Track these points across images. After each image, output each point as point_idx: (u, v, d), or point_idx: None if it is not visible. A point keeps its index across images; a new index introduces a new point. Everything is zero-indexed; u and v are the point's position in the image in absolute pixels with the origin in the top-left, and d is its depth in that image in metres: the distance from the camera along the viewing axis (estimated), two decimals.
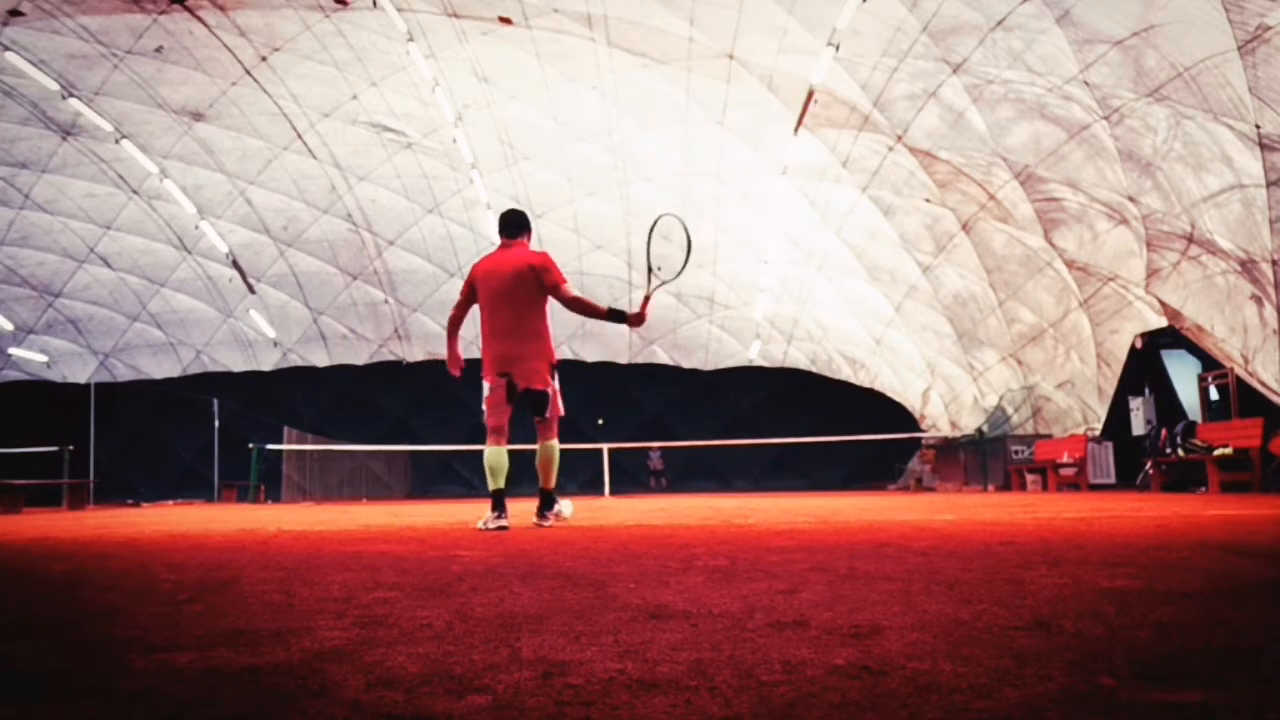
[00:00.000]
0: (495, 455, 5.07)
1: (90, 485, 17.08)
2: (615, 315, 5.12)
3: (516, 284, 5.07)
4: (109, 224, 19.72)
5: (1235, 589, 1.72)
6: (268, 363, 24.43)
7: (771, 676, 1.02)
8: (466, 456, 23.63)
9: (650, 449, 22.90)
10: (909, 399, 22.11)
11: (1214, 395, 13.43)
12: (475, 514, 6.96)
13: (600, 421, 25.71)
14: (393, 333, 23.14)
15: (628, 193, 18.04)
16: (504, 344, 5.06)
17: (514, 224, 5.40)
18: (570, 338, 24.11)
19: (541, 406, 5.12)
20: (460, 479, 26.88)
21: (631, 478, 24.27)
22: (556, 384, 5.24)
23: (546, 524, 5.02)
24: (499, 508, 4.83)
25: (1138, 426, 14.59)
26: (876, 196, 15.69)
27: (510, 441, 5.25)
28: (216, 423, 19.67)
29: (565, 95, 14.91)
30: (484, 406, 5.15)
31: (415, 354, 23.75)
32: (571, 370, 25.11)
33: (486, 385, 5.13)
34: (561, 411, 5.21)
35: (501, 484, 4.99)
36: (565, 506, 5.41)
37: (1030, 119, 12.14)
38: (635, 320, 5.19)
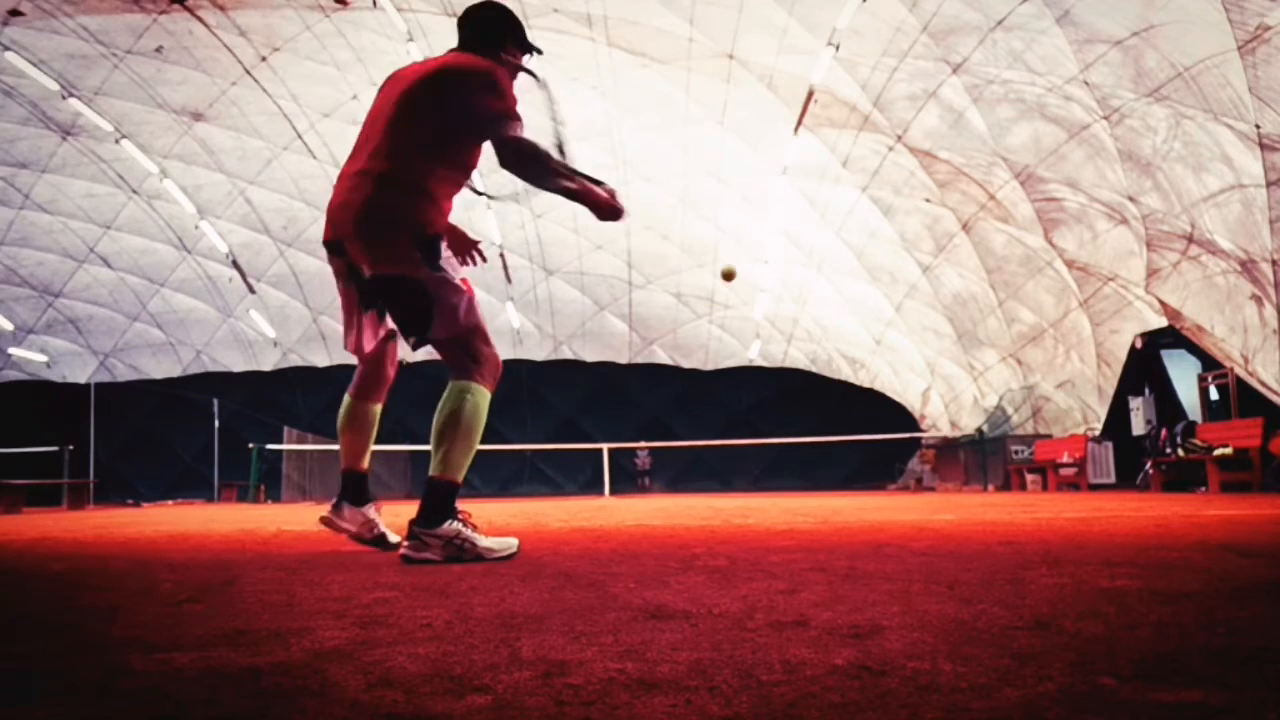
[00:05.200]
0: (343, 410, 3.17)
1: (90, 485, 17.08)
2: (582, 193, 2.75)
3: (404, 98, 2.77)
4: (109, 224, 19.73)
5: (1235, 589, 1.72)
6: (268, 363, 24.43)
7: (771, 676, 1.02)
8: None
9: (638, 449, 22.87)
10: (909, 399, 22.12)
11: (1214, 395, 13.43)
12: (474, 514, 6.92)
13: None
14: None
15: (628, 193, 17.82)
16: (340, 193, 2.79)
17: (480, 25, 2.94)
18: (570, 337, 24.12)
19: (411, 317, 2.78)
20: None
21: (630, 479, 24.27)
22: (452, 274, 2.78)
23: (420, 555, 2.60)
24: (341, 492, 3.11)
25: (1138, 426, 14.59)
26: (876, 196, 15.69)
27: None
28: (216, 423, 19.66)
29: (565, 95, 14.88)
30: None
31: (415, 354, 23.70)
32: (572, 370, 25.16)
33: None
34: (464, 322, 2.77)
35: (359, 460, 3.13)
36: (501, 542, 2.75)
37: (1030, 119, 12.14)
38: (606, 205, 2.79)
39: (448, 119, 2.76)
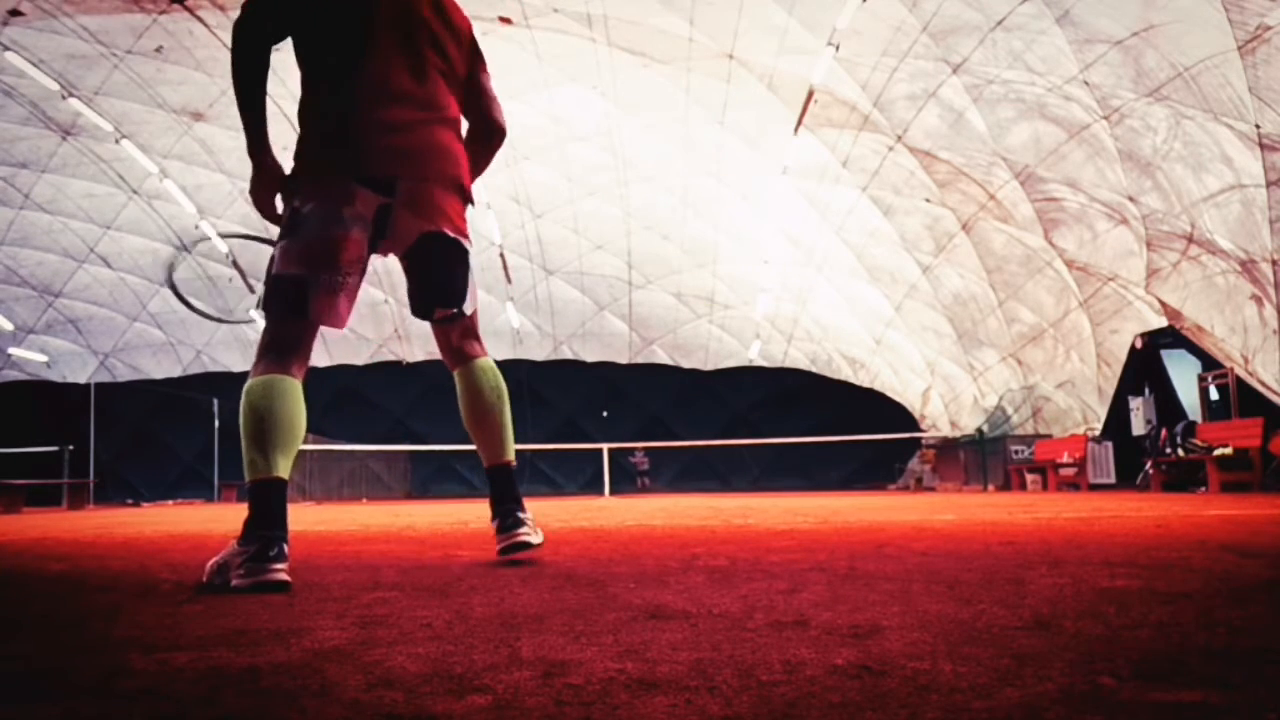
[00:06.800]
0: (273, 389, 2.16)
1: (90, 485, 17.09)
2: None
3: (440, 23, 2.51)
4: (109, 224, 19.73)
5: (1235, 589, 1.72)
6: None
7: (771, 676, 1.02)
8: (467, 456, 23.63)
9: (635, 449, 22.84)
10: (909, 399, 22.12)
11: (1214, 395, 13.43)
12: (476, 514, 6.92)
13: (605, 414, 25.44)
14: (393, 333, 23.16)
15: (628, 193, 18.04)
16: (393, 118, 2.34)
17: None
18: (570, 337, 24.11)
19: (458, 287, 2.48)
20: (460, 479, 26.89)
21: (630, 478, 24.30)
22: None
23: (536, 540, 2.47)
24: (260, 525, 2.04)
25: (1138, 426, 14.59)
26: (876, 196, 15.69)
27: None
28: (216, 423, 19.68)
29: (565, 95, 14.91)
30: (278, 261, 2.26)
31: (415, 354, 23.76)
32: (571, 371, 25.16)
33: (309, 207, 2.29)
34: (476, 302, 2.61)
35: (282, 467, 2.14)
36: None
37: (1030, 119, 12.14)
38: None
39: (470, 65, 2.66)
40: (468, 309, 2.51)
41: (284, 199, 2.38)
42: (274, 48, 2.36)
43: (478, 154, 2.66)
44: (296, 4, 2.35)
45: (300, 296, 2.22)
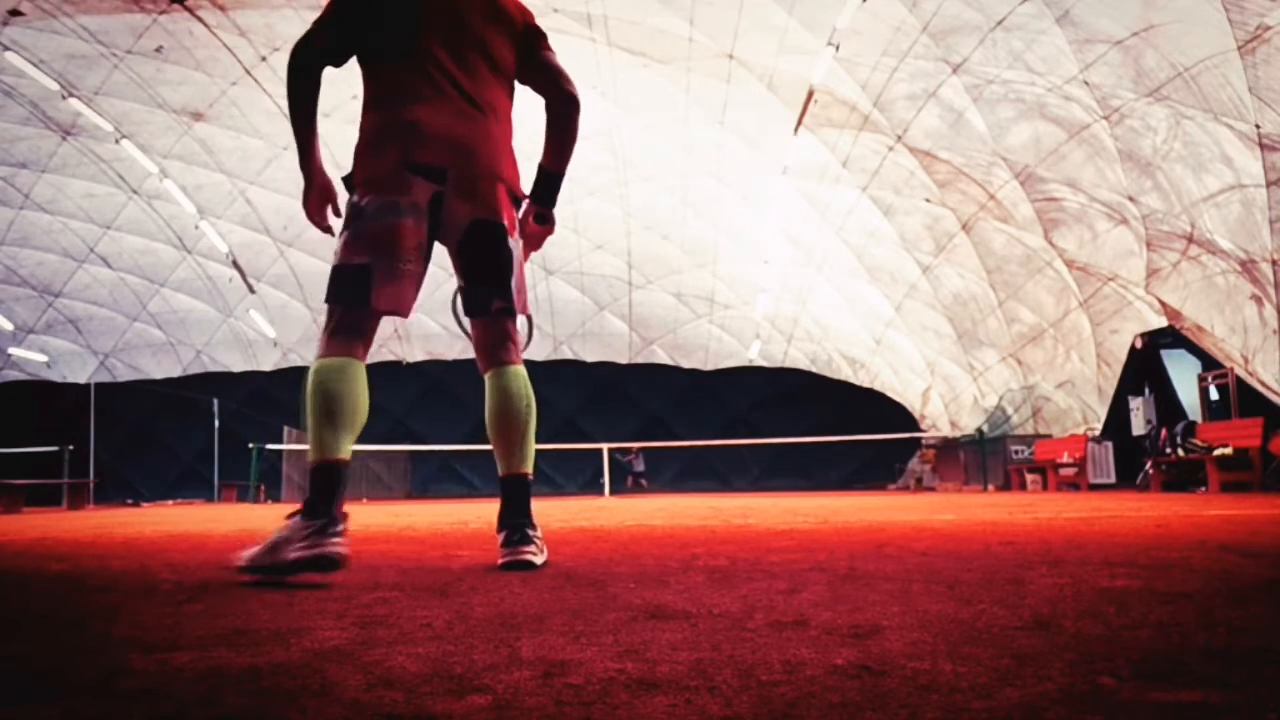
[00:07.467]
0: (340, 371, 2.24)
1: (90, 485, 17.08)
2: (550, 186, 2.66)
3: (486, 14, 2.53)
4: (109, 224, 19.73)
5: (1235, 589, 1.72)
6: (268, 363, 24.45)
7: (771, 676, 1.02)
8: (466, 456, 23.63)
9: (629, 448, 22.74)
10: (909, 399, 22.12)
11: (1214, 395, 13.43)
12: (476, 514, 6.92)
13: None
14: (393, 333, 23.16)
15: (628, 193, 18.04)
16: (443, 114, 2.39)
17: None
18: (570, 337, 24.11)
19: (503, 271, 2.44)
20: (460, 479, 26.89)
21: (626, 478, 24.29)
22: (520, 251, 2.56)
23: (539, 560, 2.36)
24: (325, 502, 2.16)
25: (1138, 426, 14.59)
26: (876, 196, 15.69)
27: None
28: (216, 423, 19.68)
29: None
30: (340, 252, 2.32)
31: (415, 354, 23.75)
32: (571, 371, 25.14)
33: (367, 200, 2.35)
34: (527, 306, 2.60)
35: (347, 449, 2.23)
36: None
37: (1030, 119, 12.15)
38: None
39: (526, 50, 2.67)
40: (515, 303, 2.49)
41: (346, 194, 2.47)
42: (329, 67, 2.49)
43: (560, 132, 2.64)
44: (356, 20, 2.45)
45: (363, 284, 2.28)
